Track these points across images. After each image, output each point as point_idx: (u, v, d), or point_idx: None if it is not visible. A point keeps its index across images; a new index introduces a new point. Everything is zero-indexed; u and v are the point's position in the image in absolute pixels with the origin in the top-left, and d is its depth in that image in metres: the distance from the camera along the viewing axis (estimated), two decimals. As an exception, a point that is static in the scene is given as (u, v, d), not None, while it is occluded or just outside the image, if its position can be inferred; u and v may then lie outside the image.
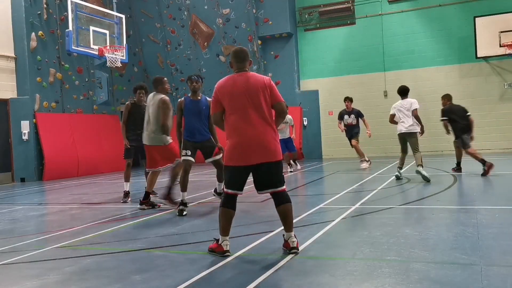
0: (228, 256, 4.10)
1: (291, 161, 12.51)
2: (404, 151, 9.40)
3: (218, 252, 4.15)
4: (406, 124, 9.08)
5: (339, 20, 17.36)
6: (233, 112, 4.13)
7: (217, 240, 4.21)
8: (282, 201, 4.13)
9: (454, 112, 9.90)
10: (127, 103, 8.29)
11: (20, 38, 14.15)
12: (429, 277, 3.32)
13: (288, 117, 11.65)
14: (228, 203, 4.17)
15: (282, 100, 4.24)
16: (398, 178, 9.31)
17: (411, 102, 9.17)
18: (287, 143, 11.98)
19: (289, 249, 4.09)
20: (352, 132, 12.35)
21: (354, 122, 12.26)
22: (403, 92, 9.36)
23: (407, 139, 9.20)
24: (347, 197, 7.45)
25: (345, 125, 12.37)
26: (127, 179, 8.24)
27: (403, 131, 9.15)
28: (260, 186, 4.19)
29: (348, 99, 12.40)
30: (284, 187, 4.18)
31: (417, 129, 9.10)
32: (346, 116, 12.30)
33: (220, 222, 4.19)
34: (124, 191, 8.22)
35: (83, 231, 5.72)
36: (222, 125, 4.27)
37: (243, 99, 4.10)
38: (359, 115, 12.33)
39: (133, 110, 8.18)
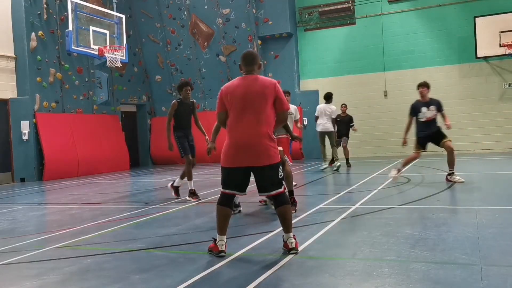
0: (223, 256, 4.10)
1: None
2: (324, 144, 12.48)
3: (215, 252, 4.16)
4: (325, 124, 12.06)
5: (339, 20, 17.36)
6: (232, 113, 4.17)
7: (215, 240, 4.22)
8: (280, 203, 4.15)
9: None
10: (173, 101, 7.94)
11: (20, 38, 14.15)
12: (429, 277, 3.32)
13: (293, 107, 10.29)
14: (224, 202, 4.20)
15: (288, 108, 4.29)
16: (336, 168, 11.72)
17: (334, 109, 12.17)
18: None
19: (288, 250, 4.10)
20: (433, 128, 8.59)
21: (435, 115, 8.65)
22: (329, 97, 12.18)
23: (327, 136, 12.29)
24: (347, 197, 7.45)
25: (421, 122, 8.64)
26: (190, 177, 7.83)
27: (324, 130, 12.14)
28: (258, 189, 4.25)
29: (423, 85, 8.74)
30: (282, 189, 4.17)
31: (333, 129, 12.15)
32: (424, 109, 8.63)
33: (217, 220, 4.22)
34: (189, 190, 7.79)
35: (83, 231, 5.72)
36: (225, 125, 4.30)
37: (243, 101, 4.12)
38: (439, 107, 8.67)
39: (180, 108, 7.91)
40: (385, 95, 16.74)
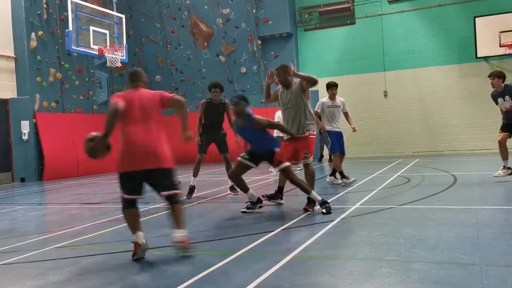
0: (145, 249, 4.16)
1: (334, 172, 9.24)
2: None
3: (137, 249, 4.17)
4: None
5: (339, 20, 17.36)
6: (129, 121, 4.38)
7: (135, 243, 4.22)
8: (176, 202, 4.41)
9: None
10: (202, 101, 8.26)
11: (20, 38, 14.15)
12: (429, 277, 3.32)
13: (340, 100, 9.16)
14: (128, 206, 4.42)
15: (173, 95, 4.56)
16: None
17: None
18: (339, 140, 8.96)
19: (175, 242, 4.21)
20: None
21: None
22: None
23: None
24: (347, 197, 7.45)
25: (504, 112, 8.35)
26: (195, 174, 8.15)
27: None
28: (159, 189, 4.43)
29: (492, 76, 8.05)
30: (180, 191, 4.43)
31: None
32: (499, 100, 8.14)
33: (128, 223, 4.36)
34: (189, 186, 8.06)
35: (83, 231, 5.73)
36: (117, 116, 4.39)
37: (139, 111, 4.36)
38: None
39: (208, 108, 8.14)
40: (385, 95, 16.74)
